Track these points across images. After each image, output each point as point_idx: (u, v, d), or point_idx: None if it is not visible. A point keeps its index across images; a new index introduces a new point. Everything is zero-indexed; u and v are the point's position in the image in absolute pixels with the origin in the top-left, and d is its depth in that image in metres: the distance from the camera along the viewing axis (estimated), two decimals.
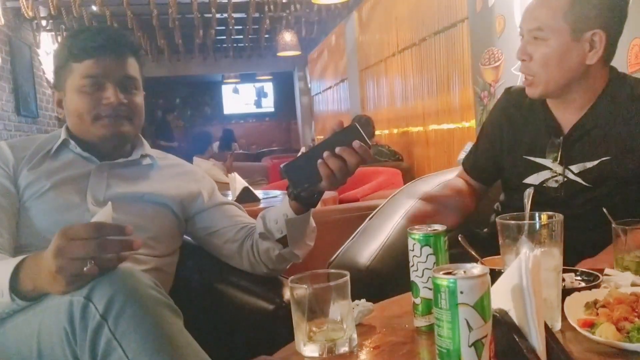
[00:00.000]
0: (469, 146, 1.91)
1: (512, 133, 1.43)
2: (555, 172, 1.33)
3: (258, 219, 1.32)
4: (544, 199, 1.31)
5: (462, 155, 1.88)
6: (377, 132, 5.22)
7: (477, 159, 1.53)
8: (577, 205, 1.31)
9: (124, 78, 1.27)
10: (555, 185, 1.34)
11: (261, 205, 2.72)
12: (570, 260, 1.23)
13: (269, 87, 13.61)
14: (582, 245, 1.26)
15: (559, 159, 1.33)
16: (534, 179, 1.36)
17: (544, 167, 1.35)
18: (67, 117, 1.30)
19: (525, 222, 0.87)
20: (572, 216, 1.27)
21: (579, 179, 1.31)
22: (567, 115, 1.34)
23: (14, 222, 1.18)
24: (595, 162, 1.29)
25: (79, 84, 1.23)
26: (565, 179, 1.32)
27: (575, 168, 1.31)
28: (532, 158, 1.37)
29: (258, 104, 13.77)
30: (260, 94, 13.70)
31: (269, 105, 13.77)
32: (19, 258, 0.94)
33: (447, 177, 1.77)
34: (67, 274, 0.84)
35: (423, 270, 0.89)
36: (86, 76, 1.23)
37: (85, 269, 0.83)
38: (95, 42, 1.23)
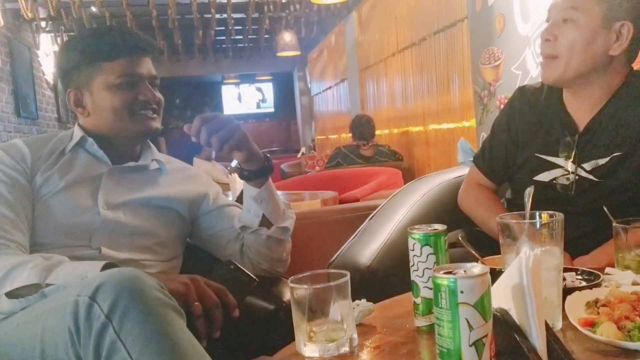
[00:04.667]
0: (463, 145, 1.88)
1: (525, 133, 1.40)
2: (568, 171, 1.32)
3: (235, 221, 1.35)
4: (553, 195, 1.31)
5: (460, 156, 1.85)
6: (377, 132, 5.22)
7: (492, 159, 1.48)
8: (586, 202, 1.30)
9: (151, 76, 1.30)
10: (566, 182, 1.32)
11: None
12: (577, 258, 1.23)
13: (268, 87, 13.60)
14: (589, 242, 1.25)
15: (572, 157, 1.31)
16: (544, 177, 1.34)
17: (556, 166, 1.34)
18: (94, 115, 1.29)
19: (525, 221, 0.87)
20: (580, 213, 1.27)
21: (590, 176, 1.30)
22: (582, 112, 1.32)
23: (31, 220, 1.18)
24: (607, 159, 1.28)
25: (115, 82, 1.25)
26: (577, 177, 1.31)
27: (587, 166, 1.30)
28: (544, 156, 1.35)
29: (258, 104, 13.75)
30: (260, 94, 13.68)
31: (268, 105, 13.76)
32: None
33: (448, 177, 1.76)
34: (192, 289, 1.02)
35: (423, 270, 0.89)
36: (122, 74, 1.25)
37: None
38: (126, 41, 1.26)
